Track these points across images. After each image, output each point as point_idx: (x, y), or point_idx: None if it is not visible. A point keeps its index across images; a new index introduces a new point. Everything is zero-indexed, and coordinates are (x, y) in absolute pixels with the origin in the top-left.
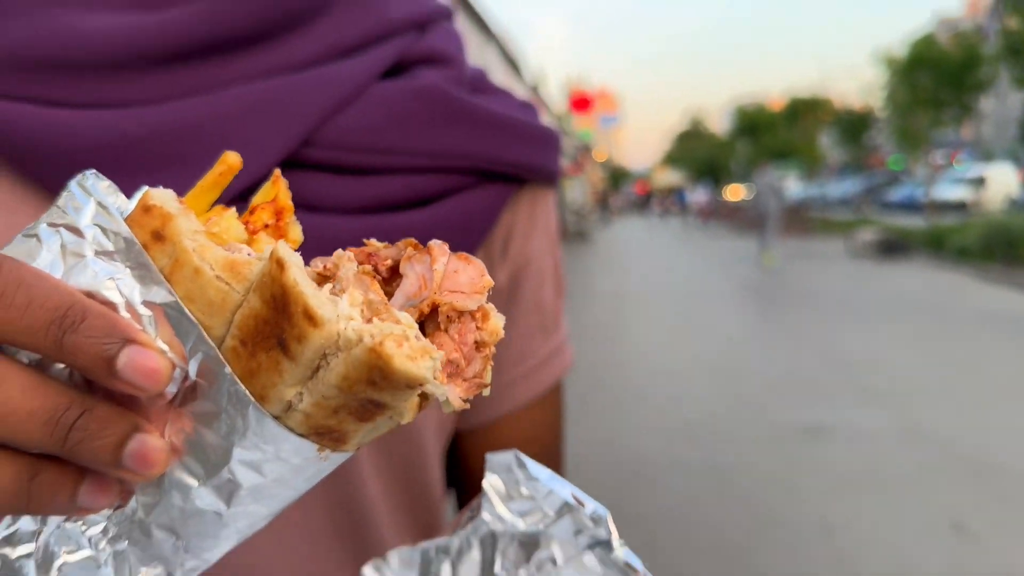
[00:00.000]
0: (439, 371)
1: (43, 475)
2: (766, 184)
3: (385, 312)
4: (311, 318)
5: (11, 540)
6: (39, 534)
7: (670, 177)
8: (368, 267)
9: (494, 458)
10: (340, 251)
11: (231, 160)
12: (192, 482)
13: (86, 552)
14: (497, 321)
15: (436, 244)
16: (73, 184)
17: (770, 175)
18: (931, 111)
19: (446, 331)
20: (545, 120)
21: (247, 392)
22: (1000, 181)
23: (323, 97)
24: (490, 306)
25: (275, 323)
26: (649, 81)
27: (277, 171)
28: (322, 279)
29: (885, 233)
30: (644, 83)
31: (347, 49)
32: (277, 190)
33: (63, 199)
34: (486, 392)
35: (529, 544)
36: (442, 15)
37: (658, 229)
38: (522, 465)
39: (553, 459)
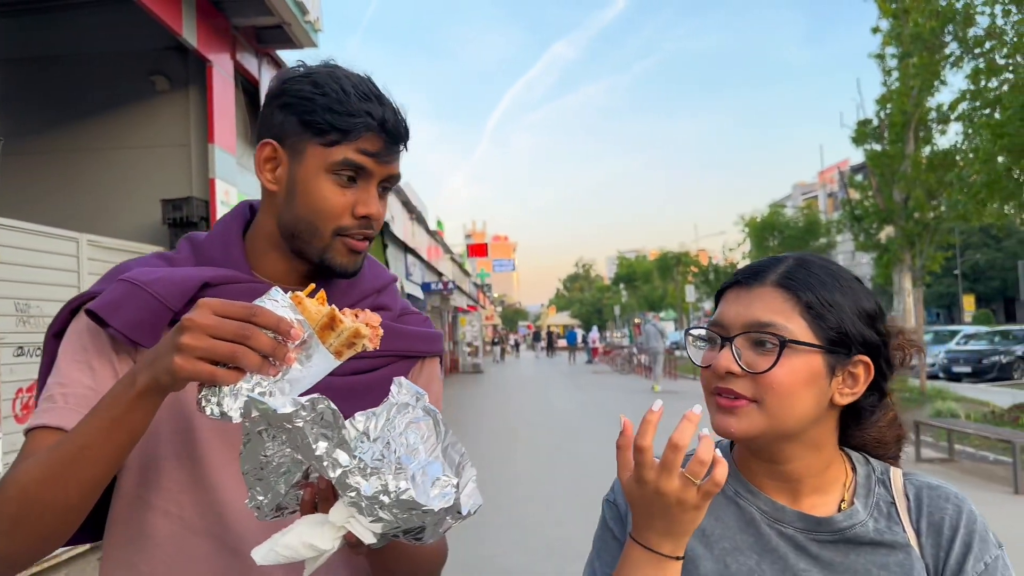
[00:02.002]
0: (367, 334)
1: (265, 362)
2: (653, 327)
3: (355, 321)
4: (341, 321)
5: (260, 386)
6: (257, 384)
7: (559, 319)
8: (353, 312)
9: (396, 379)
10: (346, 308)
11: (308, 291)
12: (298, 367)
13: (263, 388)
14: (381, 328)
15: (367, 310)
16: (273, 290)
17: (653, 321)
18: None
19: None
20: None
21: (319, 341)
22: None
23: None
24: (379, 322)
25: (330, 323)
26: (542, 229)
27: (322, 291)
28: (341, 312)
29: None
30: (538, 231)
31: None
32: (323, 294)
33: (270, 292)
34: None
35: (403, 407)
36: (389, 282)
37: (546, 366)
38: (402, 383)
39: None
